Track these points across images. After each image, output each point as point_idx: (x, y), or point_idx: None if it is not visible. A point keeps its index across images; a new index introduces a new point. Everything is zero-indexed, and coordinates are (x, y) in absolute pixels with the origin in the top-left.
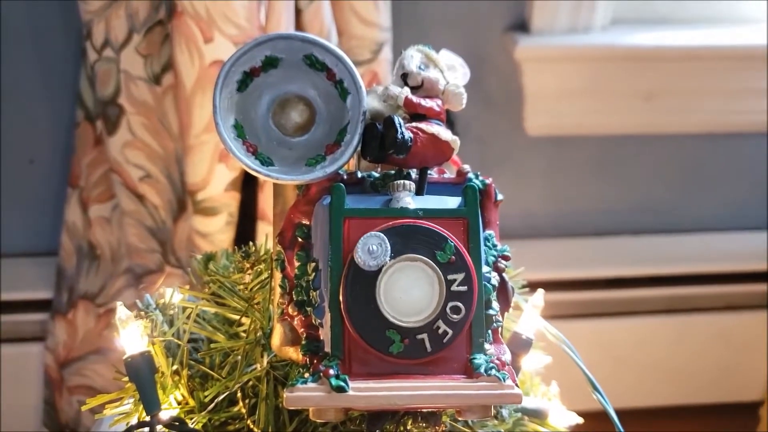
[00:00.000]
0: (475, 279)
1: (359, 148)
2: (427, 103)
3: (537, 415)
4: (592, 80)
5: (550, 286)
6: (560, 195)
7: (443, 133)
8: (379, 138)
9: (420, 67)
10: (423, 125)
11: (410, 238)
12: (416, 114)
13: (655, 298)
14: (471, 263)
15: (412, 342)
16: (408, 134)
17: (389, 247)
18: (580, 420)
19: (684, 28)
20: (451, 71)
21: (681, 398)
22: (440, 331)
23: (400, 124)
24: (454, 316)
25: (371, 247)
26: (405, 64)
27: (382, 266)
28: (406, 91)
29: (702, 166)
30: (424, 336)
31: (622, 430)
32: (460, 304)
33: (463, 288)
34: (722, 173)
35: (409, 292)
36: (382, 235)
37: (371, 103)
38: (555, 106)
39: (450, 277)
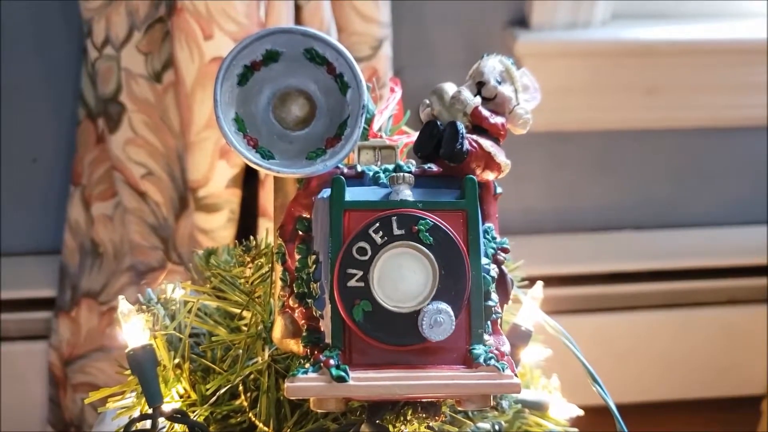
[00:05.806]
0: (467, 264)
1: (413, 145)
2: (494, 119)
3: (537, 407)
4: (593, 75)
5: (550, 281)
6: (561, 190)
7: (499, 155)
8: (437, 140)
9: (497, 80)
10: (482, 141)
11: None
12: (479, 126)
13: (656, 293)
14: (462, 247)
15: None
16: (467, 146)
17: (454, 318)
18: (581, 412)
19: (684, 23)
20: (524, 92)
21: (682, 393)
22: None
23: (462, 135)
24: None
25: (438, 319)
26: (484, 72)
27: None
28: (478, 101)
29: (703, 161)
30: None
31: (621, 421)
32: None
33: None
34: (723, 168)
35: (402, 278)
36: (445, 306)
37: (435, 103)
38: (555, 101)
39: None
